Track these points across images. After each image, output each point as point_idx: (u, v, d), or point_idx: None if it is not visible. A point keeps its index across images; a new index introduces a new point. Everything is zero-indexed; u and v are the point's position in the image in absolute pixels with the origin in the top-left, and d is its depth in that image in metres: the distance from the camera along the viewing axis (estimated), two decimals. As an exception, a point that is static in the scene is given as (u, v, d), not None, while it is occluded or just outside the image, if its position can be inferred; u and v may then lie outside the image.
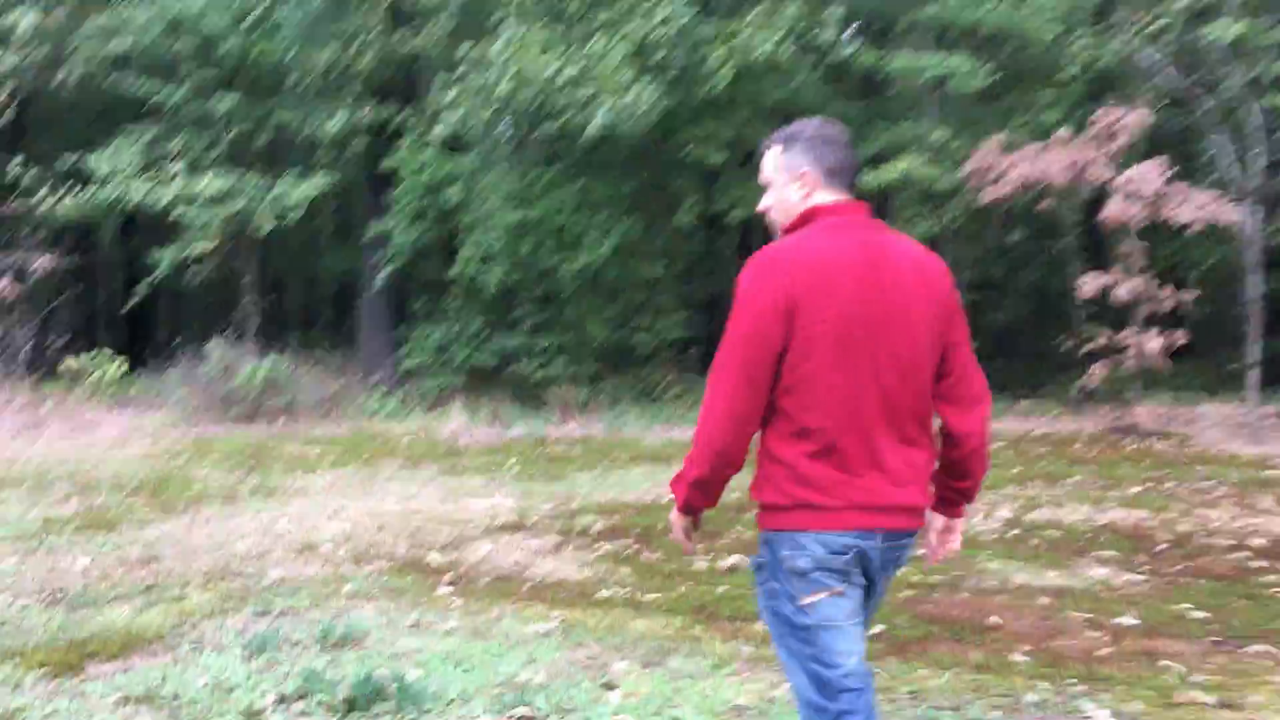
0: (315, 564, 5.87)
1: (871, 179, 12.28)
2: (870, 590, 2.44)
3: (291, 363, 12.88)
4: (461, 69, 11.85)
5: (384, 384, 13.62)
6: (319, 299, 22.74)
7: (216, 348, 12.78)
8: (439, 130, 12.19)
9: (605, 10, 12.11)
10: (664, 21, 11.48)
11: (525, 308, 13.07)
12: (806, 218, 2.43)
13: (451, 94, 11.82)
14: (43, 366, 14.27)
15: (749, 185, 12.82)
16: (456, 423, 12.16)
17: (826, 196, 2.44)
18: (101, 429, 12.43)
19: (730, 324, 2.35)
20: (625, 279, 12.55)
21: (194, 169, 13.27)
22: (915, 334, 2.37)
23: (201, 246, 13.12)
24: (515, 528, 6.95)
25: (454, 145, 12.93)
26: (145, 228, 20.05)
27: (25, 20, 13.17)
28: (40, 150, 14.61)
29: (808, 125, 2.52)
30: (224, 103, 13.35)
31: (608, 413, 12.52)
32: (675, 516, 2.55)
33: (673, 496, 2.50)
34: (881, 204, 13.59)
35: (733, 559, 5.90)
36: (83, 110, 15.98)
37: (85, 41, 13.49)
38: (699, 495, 2.45)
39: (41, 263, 14.13)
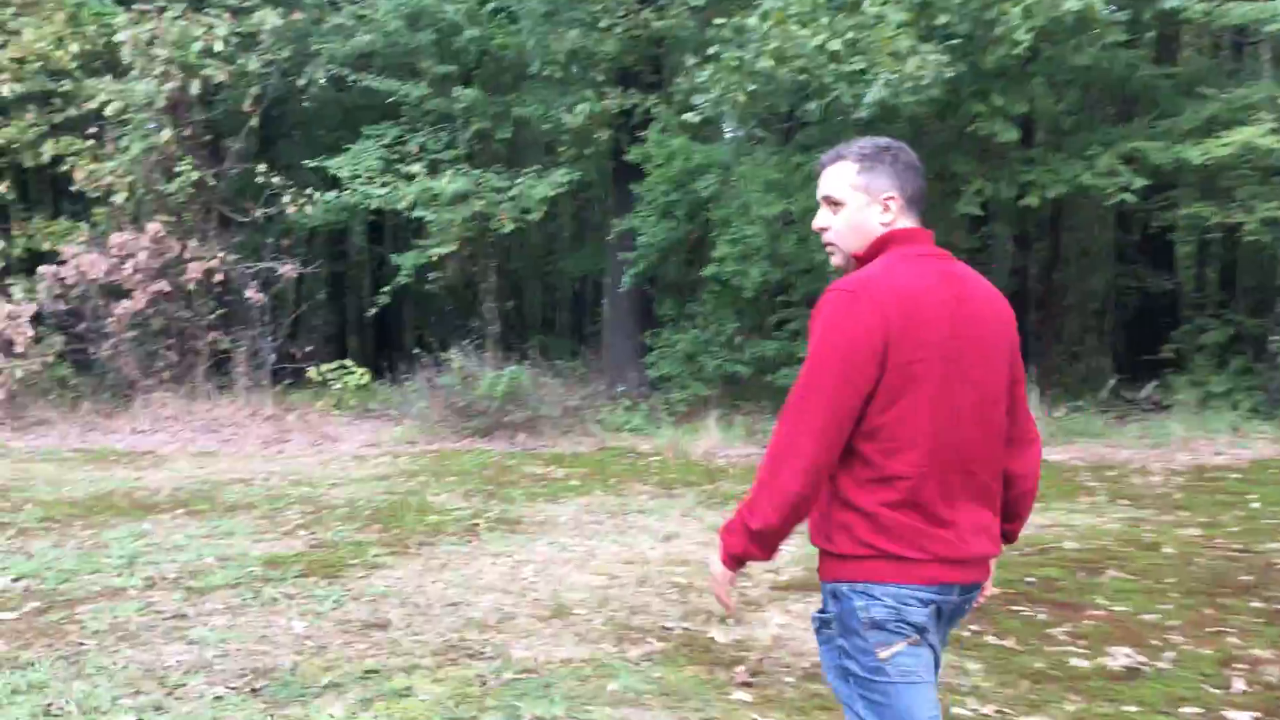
0: (568, 640, 4.70)
1: (1196, 154, 10.28)
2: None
3: (531, 372, 11.97)
4: (715, 47, 10.59)
5: (629, 395, 12.56)
6: (557, 303, 22.08)
7: (456, 357, 12.03)
8: (690, 116, 10.97)
9: (876, -27, 10.60)
10: (949, -22, 9.87)
11: (785, 310, 11.69)
12: (882, 244, 2.27)
13: (704, 74, 10.58)
14: (289, 376, 13.99)
15: (1046, 164, 11.01)
16: (710, 439, 10.93)
17: (905, 224, 2.30)
18: (342, 443, 11.92)
19: (813, 361, 2.16)
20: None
21: (434, 169, 12.58)
22: (997, 372, 2.28)
23: (442, 249, 12.40)
24: (804, 587, 5.60)
25: (706, 132, 11.73)
26: (392, 232, 19.91)
27: (270, 20, 12.84)
28: (285, 156, 14.36)
29: (890, 146, 2.33)
30: (464, 96, 12.60)
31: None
32: (720, 571, 2.28)
33: (720, 545, 2.26)
34: (1209, 184, 11.47)
35: (1123, 655, 4.36)
36: (326, 113, 15.74)
37: (327, 41, 13.06)
38: (758, 548, 2.21)
39: (288, 269, 13.85)
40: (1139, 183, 10.57)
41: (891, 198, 2.27)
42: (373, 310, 14.63)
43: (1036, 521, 7.18)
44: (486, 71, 12.83)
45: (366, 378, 13.77)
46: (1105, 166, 10.67)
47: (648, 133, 11.94)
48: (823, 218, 2.36)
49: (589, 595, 5.46)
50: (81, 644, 4.64)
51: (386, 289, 13.69)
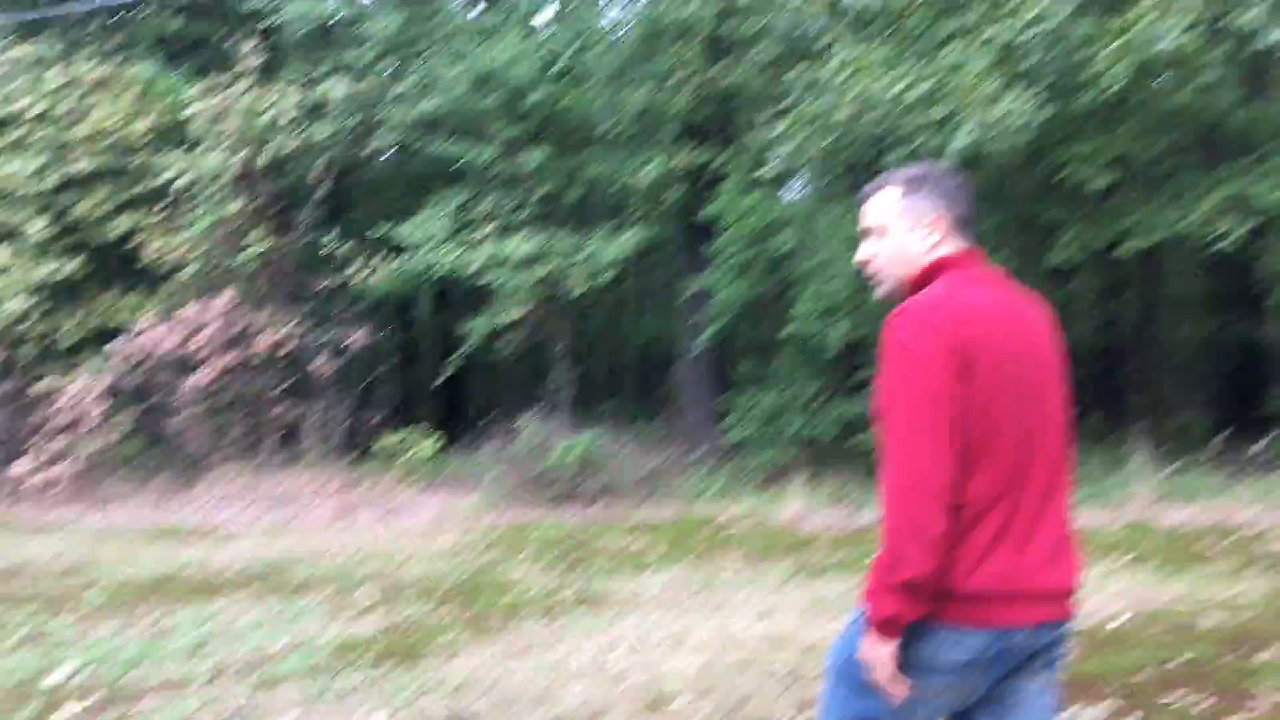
0: (672, 738, 4.25)
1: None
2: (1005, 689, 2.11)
3: (605, 439, 11.57)
4: (791, 98, 10.26)
5: (708, 459, 12.09)
6: (627, 365, 21.74)
7: (528, 423, 11.68)
8: (765, 170, 10.62)
9: (954, 18, 10.25)
10: (1035, 20, 9.46)
11: (870, 369, 11.20)
12: (936, 268, 2.21)
13: (780, 127, 10.24)
14: (359, 446, 13.73)
15: (1138, 212, 10.47)
16: (795, 505, 10.42)
17: (955, 246, 2.23)
18: (413, 513, 11.59)
19: (900, 384, 2.02)
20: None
21: (503, 231, 12.36)
22: (1059, 393, 2.20)
23: (512, 313, 12.12)
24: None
25: (783, 186, 11.38)
26: (460, 298, 19.78)
27: (338, 90, 12.79)
28: (355, 222, 14.26)
29: (933, 169, 2.30)
30: (532, 158, 12.39)
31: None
32: (877, 648, 2.00)
33: (869, 616, 2.00)
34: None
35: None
36: (394, 178, 15.65)
37: (395, 106, 12.97)
38: (911, 603, 1.96)
39: (357, 338, 13.66)
40: (1241, 229, 10.00)
41: (938, 219, 2.22)
42: (441, 378, 14.35)
43: (1163, 596, 6.59)
44: (554, 132, 12.61)
45: (436, 447, 13.47)
46: (1202, 212, 10.11)
47: (721, 189, 11.60)
48: (867, 248, 2.31)
49: (688, 682, 4.99)
50: (143, 745, 4.28)
51: (454, 356, 13.43)
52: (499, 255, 12.11)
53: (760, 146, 11.03)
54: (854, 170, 10.89)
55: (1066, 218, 10.62)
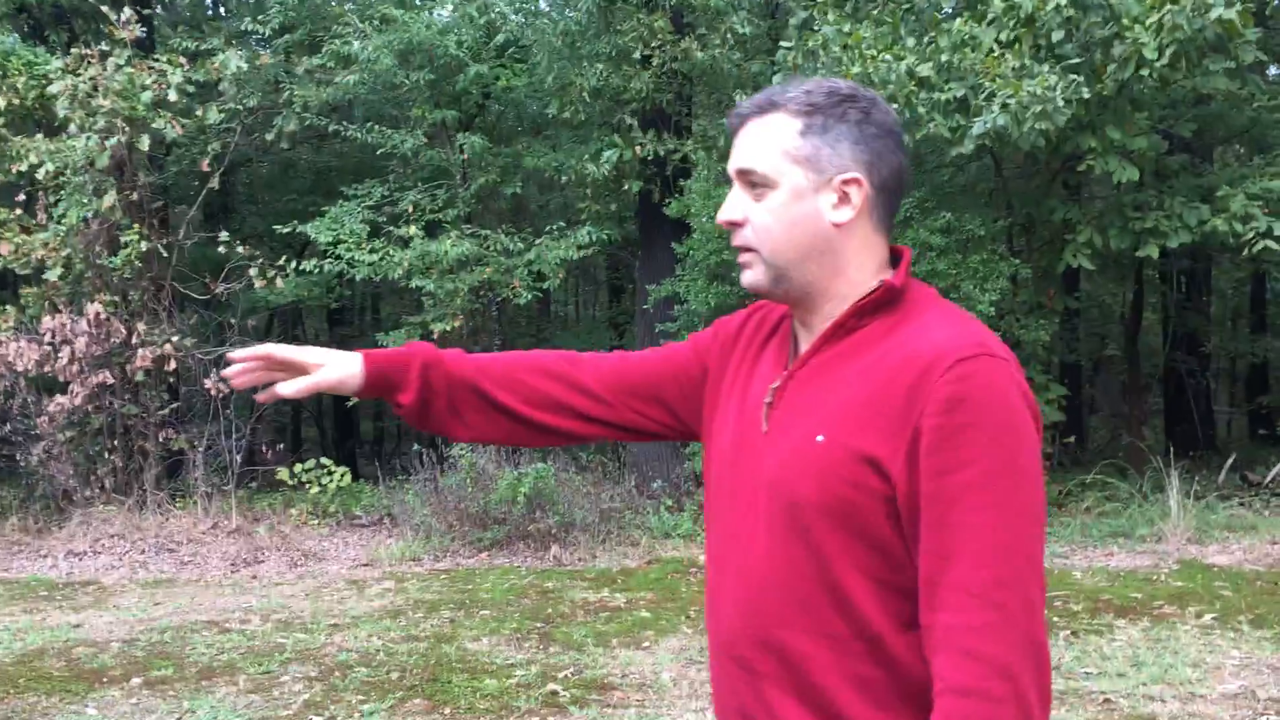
0: None
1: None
2: None
3: (554, 470, 9.98)
4: (779, 78, 8.89)
5: (671, 493, 10.60)
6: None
7: (465, 454, 10.01)
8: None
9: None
10: (1058, -9, 8.29)
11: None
12: (891, 294, 1.45)
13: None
14: (255, 480, 11.84)
15: (1168, 208, 9.37)
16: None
17: (870, 233, 1.47)
18: (328, 562, 9.82)
19: (1010, 470, 1.33)
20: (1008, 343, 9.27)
21: (431, 232, 10.68)
22: None
23: (443, 325, 10.43)
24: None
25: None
26: (367, 307, 17.93)
27: (233, 64, 10.92)
28: (253, 220, 12.36)
29: (856, 95, 1.46)
30: (464, 149, 10.74)
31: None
32: None
33: None
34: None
35: None
36: (300, 170, 13.77)
37: (303, 84, 11.16)
38: None
39: (251, 355, 11.75)
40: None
41: (854, 181, 1.42)
42: (353, 401, 12.54)
43: (1230, 661, 5.35)
44: (492, 116, 10.97)
45: (346, 479, 11.65)
46: (1237, 209, 9.07)
47: (688, 183, 10.12)
48: (735, 205, 1.49)
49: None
50: None
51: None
52: (427, 259, 10.42)
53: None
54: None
55: (1082, 218, 9.45)
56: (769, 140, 1.45)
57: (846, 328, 1.45)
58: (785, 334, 1.57)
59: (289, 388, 1.63)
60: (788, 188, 1.44)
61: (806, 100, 1.45)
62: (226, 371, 1.71)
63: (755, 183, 1.46)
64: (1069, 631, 6.29)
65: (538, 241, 10.35)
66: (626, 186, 10.39)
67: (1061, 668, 5.51)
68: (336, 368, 1.67)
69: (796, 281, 1.46)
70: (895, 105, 8.48)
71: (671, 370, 1.71)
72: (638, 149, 10.16)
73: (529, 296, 10.39)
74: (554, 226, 10.47)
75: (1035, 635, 1.33)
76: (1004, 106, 7.89)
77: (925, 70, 8.38)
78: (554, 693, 5.37)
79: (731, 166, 1.50)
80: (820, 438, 1.40)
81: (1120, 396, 13.70)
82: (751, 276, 1.50)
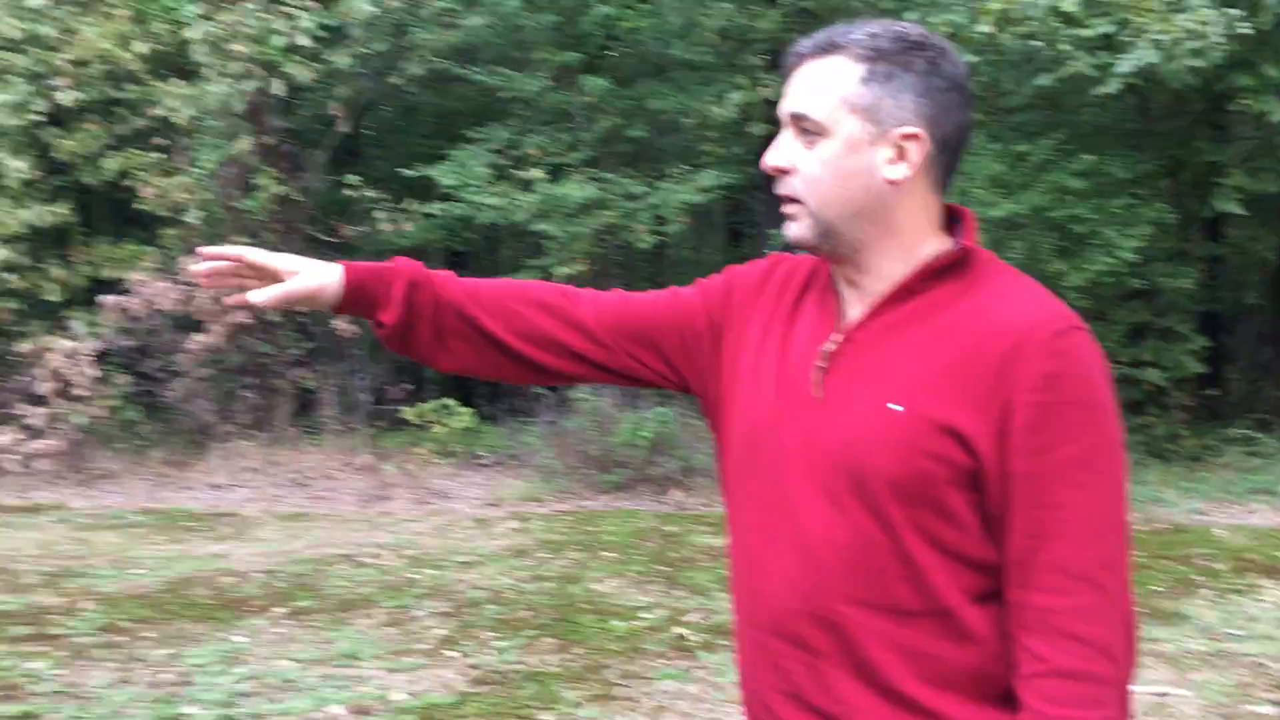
0: None
1: None
2: None
3: (678, 415, 9.99)
4: (915, 12, 8.62)
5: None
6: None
7: (588, 398, 10.09)
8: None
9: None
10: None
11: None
12: (964, 257, 1.38)
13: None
14: (383, 418, 12.13)
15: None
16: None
17: (929, 193, 1.39)
18: (454, 500, 10.05)
19: (1106, 454, 1.31)
20: (1145, 290, 8.88)
21: (555, 175, 10.70)
22: None
23: (565, 269, 10.49)
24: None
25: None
26: (484, 250, 18.17)
27: (363, 9, 11.04)
28: (379, 163, 12.55)
29: (926, 42, 1.36)
30: (589, 91, 10.69)
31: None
32: None
33: None
34: None
35: None
36: (426, 113, 13.91)
37: (429, 28, 11.23)
38: None
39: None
40: None
41: (914, 136, 1.34)
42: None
43: None
44: (616, 58, 10.90)
45: (471, 419, 11.86)
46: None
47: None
48: (784, 150, 1.39)
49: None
50: None
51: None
52: (550, 202, 10.46)
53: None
54: (994, 95, 9.17)
55: (1231, 161, 9.00)
56: (827, 85, 1.36)
57: (912, 290, 1.37)
58: (823, 291, 1.47)
59: (260, 296, 1.53)
60: (842, 138, 1.35)
61: (871, 45, 1.36)
62: (193, 268, 1.60)
63: (808, 129, 1.37)
64: (1213, 591, 6.09)
65: (660, 185, 10.29)
66: (750, 129, 10.24)
67: (1207, 628, 5.34)
68: (312, 276, 1.54)
69: (845, 239, 1.38)
70: (1038, 43, 8.17)
71: (675, 319, 1.59)
72: (762, 91, 9.99)
73: (652, 241, 10.35)
74: (677, 170, 10.39)
75: (1131, 612, 1.32)
76: (1154, 43, 7.52)
77: (1069, 5, 8.02)
78: (680, 636, 5.42)
79: (784, 108, 1.41)
80: (898, 406, 1.32)
81: (1263, 347, 13.09)
82: (797, 230, 1.40)
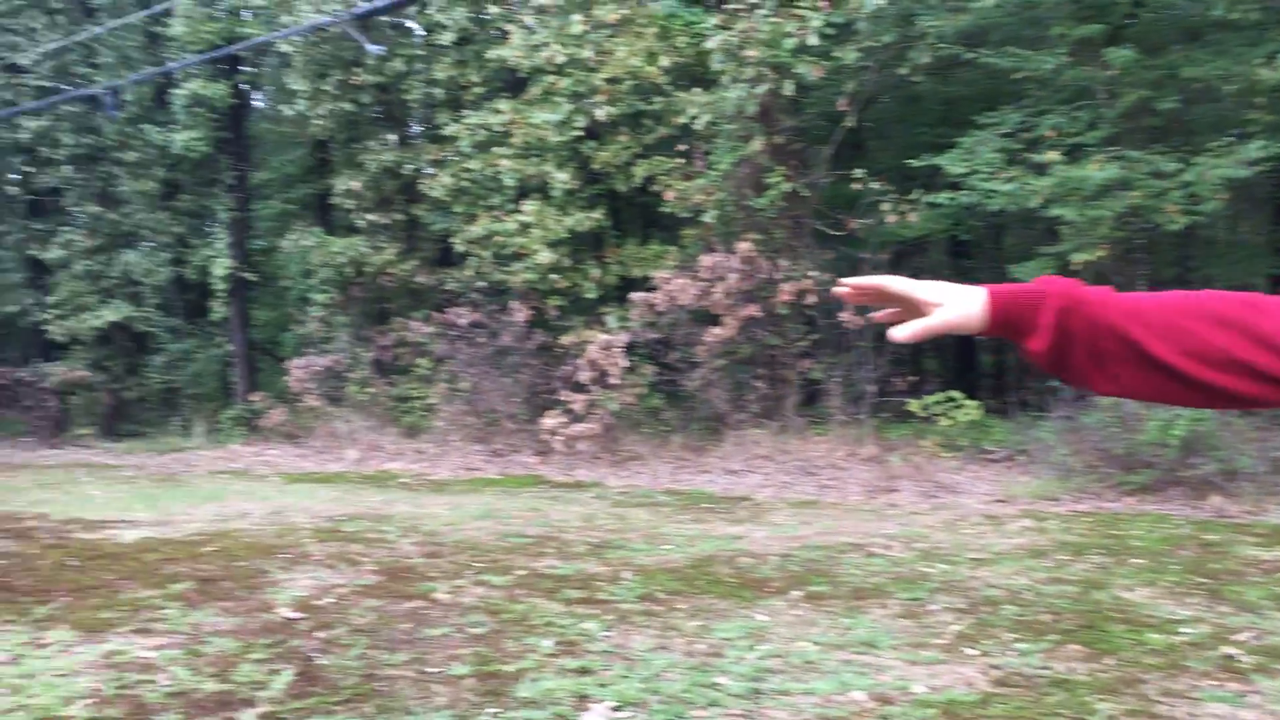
0: None
1: None
2: None
3: (1216, 413, 9.03)
4: None
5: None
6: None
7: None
8: None
9: None
10: None
11: None
12: None
13: None
14: (888, 410, 12.16)
15: None
16: None
17: None
18: (962, 495, 9.82)
19: None
20: None
21: (1072, 156, 10.10)
22: None
23: (1084, 255, 9.86)
24: None
25: None
26: (988, 238, 17.59)
27: (870, 2, 11.11)
28: (879, 158, 12.58)
29: None
30: (1111, 64, 9.97)
31: None
32: None
33: None
34: None
35: None
36: (924, 106, 13.73)
37: (936, 15, 11.06)
38: None
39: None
40: None
41: None
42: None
43: None
44: (1142, 26, 10.07)
45: (978, 412, 11.56)
46: None
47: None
48: None
49: None
50: None
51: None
52: (1069, 183, 9.88)
53: None
54: None
55: None
56: None
57: None
58: None
59: (902, 332, 1.49)
60: None
61: None
62: (838, 290, 1.58)
63: None
64: None
65: (1196, 160, 9.35)
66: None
67: None
68: (955, 308, 1.48)
69: None
70: None
71: None
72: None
73: (1184, 222, 9.45)
74: (1218, 143, 9.38)
75: None
76: None
77: None
78: (1229, 656, 4.89)
79: None
80: None
81: None
82: None
